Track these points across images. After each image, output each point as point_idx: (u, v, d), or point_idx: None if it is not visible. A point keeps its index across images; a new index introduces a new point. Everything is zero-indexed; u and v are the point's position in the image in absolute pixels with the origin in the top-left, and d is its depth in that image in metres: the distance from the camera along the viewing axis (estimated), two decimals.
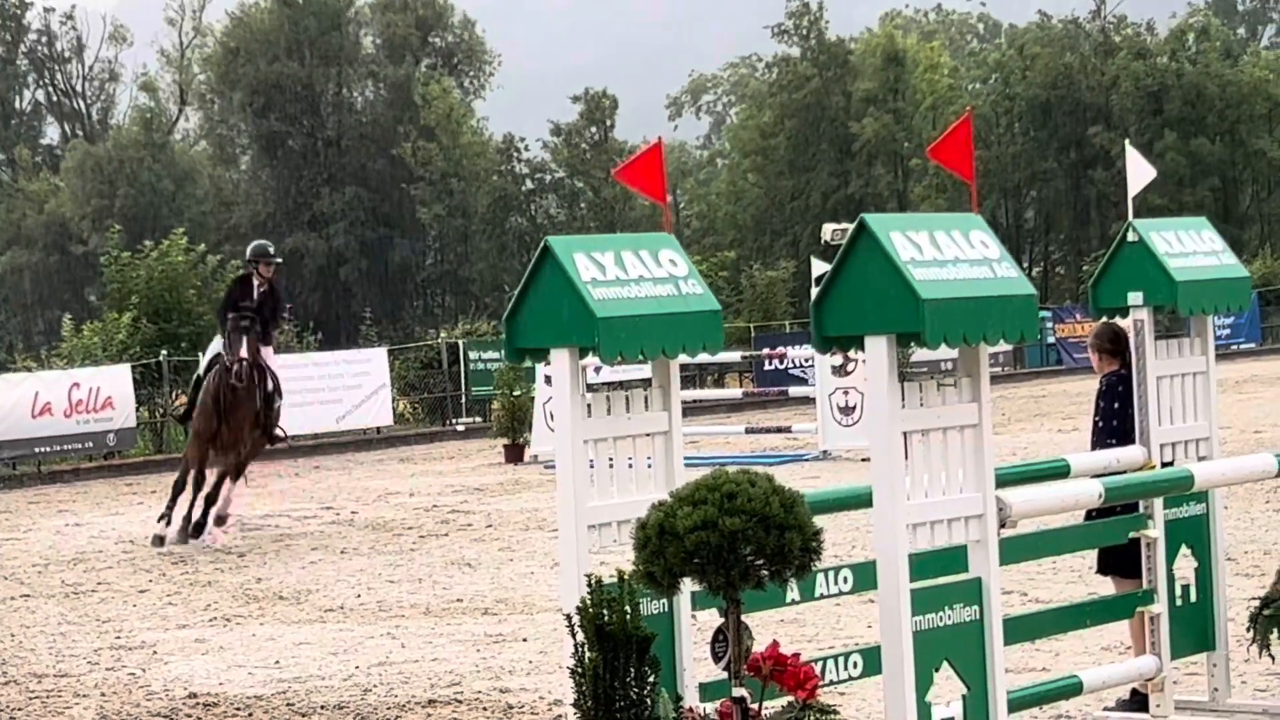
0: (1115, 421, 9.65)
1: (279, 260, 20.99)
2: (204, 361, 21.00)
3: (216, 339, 20.77)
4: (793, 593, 7.62)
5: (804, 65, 77.84)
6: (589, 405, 7.18)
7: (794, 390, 33.68)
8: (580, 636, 6.40)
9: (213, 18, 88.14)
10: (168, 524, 19.86)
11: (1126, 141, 10.43)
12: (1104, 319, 9.75)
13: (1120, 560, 9.53)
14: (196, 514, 19.96)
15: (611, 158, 74.17)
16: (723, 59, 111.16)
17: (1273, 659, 9.42)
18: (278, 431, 20.76)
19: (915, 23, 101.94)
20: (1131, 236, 9.20)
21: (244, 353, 19.58)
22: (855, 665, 7.81)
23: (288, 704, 11.35)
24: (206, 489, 20.13)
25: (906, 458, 6.93)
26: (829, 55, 77.64)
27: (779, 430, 29.28)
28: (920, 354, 39.39)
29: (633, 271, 7.12)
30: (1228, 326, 50.33)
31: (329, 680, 12.05)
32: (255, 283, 20.41)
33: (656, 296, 7.11)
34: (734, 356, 38.61)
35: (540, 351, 7.22)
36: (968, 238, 7.04)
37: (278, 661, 12.85)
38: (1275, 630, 9.20)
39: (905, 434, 6.91)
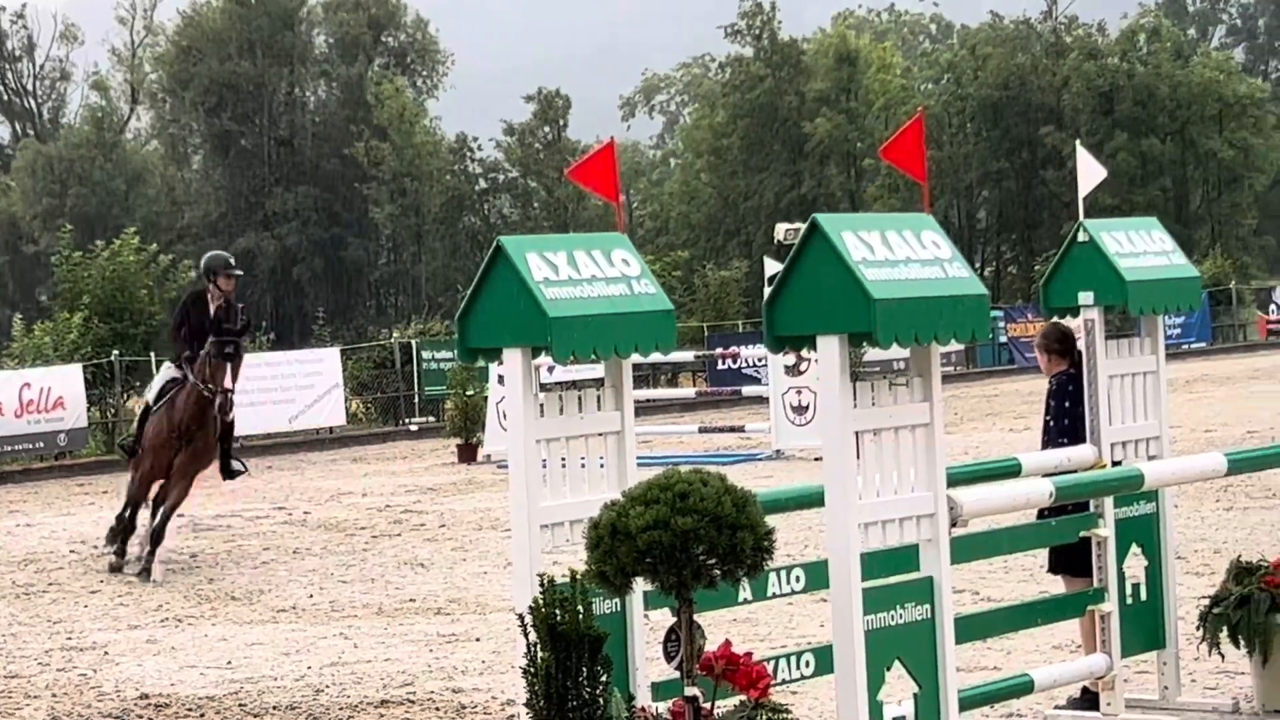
0: (1066, 421, 9.69)
1: (239, 272, 18.67)
2: (153, 392, 18.67)
3: (165, 369, 18.64)
4: (745, 592, 7.64)
5: (757, 65, 77.92)
6: (542, 405, 7.18)
7: (747, 390, 33.69)
8: (533, 636, 6.40)
9: (164, 16, 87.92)
10: (122, 558, 17.95)
11: (1077, 142, 10.47)
12: (1052, 319, 9.79)
13: (1071, 559, 9.57)
14: (154, 524, 18.64)
15: (565, 157, 74.08)
16: (675, 59, 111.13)
17: (1222, 657, 9.48)
18: (235, 465, 18.77)
19: (868, 23, 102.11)
20: (1082, 236, 9.25)
21: (229, 383, 17.49)
22: (807, 664, 7.83)
23: (240, 704, 11.32)
24: (155, 503, 18.39)
25: (859, 457, 6.94)
26: (781, 55, 77.71)
27: (732, 430, 29.30)
28: (872, 353, 39.46)
29: (585, 271, 7.12)
30: (1178, 326, 50.54)
31: (281, 680, 12.02)
32: (211, 298, 17.84)
33: (609, 296, 7.12)
34: (687, 356, 38.60)
35: (493, 351, 7.22)
36: (919, 238, 7.06)
37: (230, 662, 12.81)
38: (1225, 628, 9.26)
39: (857, 433, 6.92)
